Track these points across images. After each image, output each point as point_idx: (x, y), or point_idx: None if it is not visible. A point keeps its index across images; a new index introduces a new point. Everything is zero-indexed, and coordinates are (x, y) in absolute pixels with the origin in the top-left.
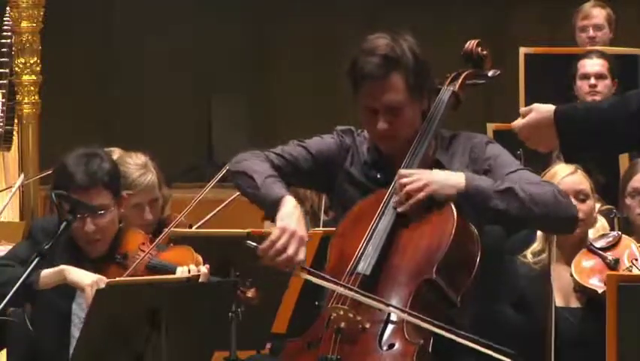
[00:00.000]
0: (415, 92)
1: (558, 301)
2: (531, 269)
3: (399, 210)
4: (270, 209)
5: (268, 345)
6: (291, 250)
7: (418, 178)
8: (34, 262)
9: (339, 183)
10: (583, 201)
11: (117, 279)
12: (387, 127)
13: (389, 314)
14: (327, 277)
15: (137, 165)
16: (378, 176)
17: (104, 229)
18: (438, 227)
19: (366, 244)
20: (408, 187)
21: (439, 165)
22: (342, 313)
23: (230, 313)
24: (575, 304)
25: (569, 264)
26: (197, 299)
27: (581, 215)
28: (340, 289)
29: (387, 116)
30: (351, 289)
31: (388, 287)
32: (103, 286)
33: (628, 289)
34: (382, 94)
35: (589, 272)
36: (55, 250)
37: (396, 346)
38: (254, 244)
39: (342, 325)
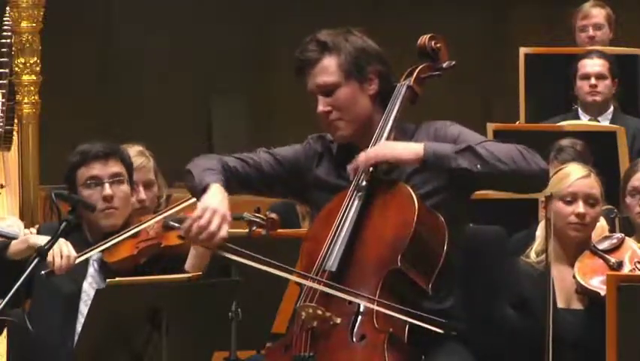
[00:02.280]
0: (350, 73)
1: (560, 302)
2: (534, 269)
3: (360, 168)
4: (199, 197)
5: (268, 345)
6: (213, 226)
7: (377, 146)
8: (34, 262)
9: (312, 191)
10: (592, 205)
11: (118, 279)
12: (325, 109)
13: (358, 306)
14: (256, 256)
15: (134, 150)
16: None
17: (121, 197)
18: (400, 216)
19: (332, 241)
20: (368, 153)
21: None
22: (311, 311)
23: (230, 313)
24: (576, 305)
25: (571, 265)
26: (197, 299)
27: (587, 219)
28: (269, 269)
29: (324, 98)
30: (287, 270)
31: (357, 281)
32: (64, 246)
33: (628, 289)
34: (316, 76)
35: (592, 274)
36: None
37: (367, 336)
38: (176, 224)
39: (315, 324)
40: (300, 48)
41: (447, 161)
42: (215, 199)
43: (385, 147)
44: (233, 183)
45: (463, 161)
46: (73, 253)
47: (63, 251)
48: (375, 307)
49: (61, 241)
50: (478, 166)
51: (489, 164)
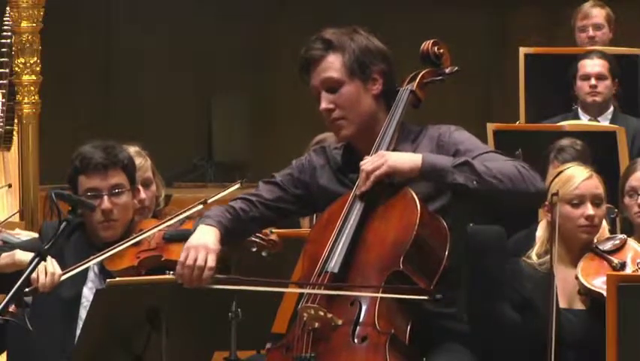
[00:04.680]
0: (354, 72)
1: (562, 302)
2: (536, 271)
3: (361, 189)
4: None
5: (268, 345)
6: (199, 261)
7: (376, 158)
8: (34, 263)
9: (319, 201)
10: (598, 205)
11: (118, 279)
12: (329, 106)
13: (360, 308)
14: (249, 279)
15: (130, 151)
16: (350, 176)
17: (121, 209)
18: (402, 219)
19: (334, 243)
20: (366, 167)
21: None
22: (313, 312)
23: (230, 313)
24: (578, 306)
25: (574, 266)
26: (197, 299)
27: (597, 220)
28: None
29: (328, 95)
30: (284, 284)
31: (358, 283)
32: (49, 264)
33: (628, 289)
34: (320, 73)
35: (594, 275)
36: (65, 248)
37: (369, 337)
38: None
39: (316, 325)
40: (305, 46)
41: (444, 175)
42: (196, 237)
43: (383, 161)
44: (247, 223)
45: (460, 176)
46: (58, 271)
47: (48, 268)
48: (366, 294)
49: (47, 258)
50: (475, 182)
51: (486, 181)
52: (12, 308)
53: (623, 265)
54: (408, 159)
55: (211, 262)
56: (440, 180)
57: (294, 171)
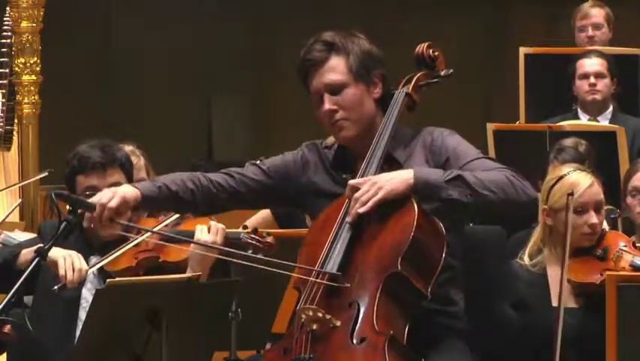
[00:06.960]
0: (358, 75)
1: (555, 302)
2: (529, 272)
3: (352, 216)
4: None
5: (268, 345)
6: (104, 199)
7: (367, 188)
8: (34, 263)
9: (307, 197)
10: (599, 211)
11: (117, 279)
12: (332, 107)
13: (358, 309)
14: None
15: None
16: (344, 176)
17: None
18: (400, 221)
19: (332, 245)
20: (362, 198)
21: (394, 162)
22: (311, 313)
23: (230, 313)
24: (571, 305)
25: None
26: (197, 299)
27: (599, 228)
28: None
29: (331, 97)
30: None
31: (356, 284)
32: (76, 259)
33: (628, 289)
34: (323, 75)
35: (582, 271)
36: (65, 246)
37: (367, 338)
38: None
39: (315, 327)
40: (305, 48)
41: (437, 191)
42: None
43: (377, 188)
44: (218, 196)
45: (454, 191)
46: (85, 266)
47: (75, 265)
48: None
49: (73, 253)
50: (468, 196)
51: (479, 193)
52: (7, 329)
53: (606, 251)
54: (401, 180)
55: (113, 203)
56: (434, 196)
57: (289, 162)
